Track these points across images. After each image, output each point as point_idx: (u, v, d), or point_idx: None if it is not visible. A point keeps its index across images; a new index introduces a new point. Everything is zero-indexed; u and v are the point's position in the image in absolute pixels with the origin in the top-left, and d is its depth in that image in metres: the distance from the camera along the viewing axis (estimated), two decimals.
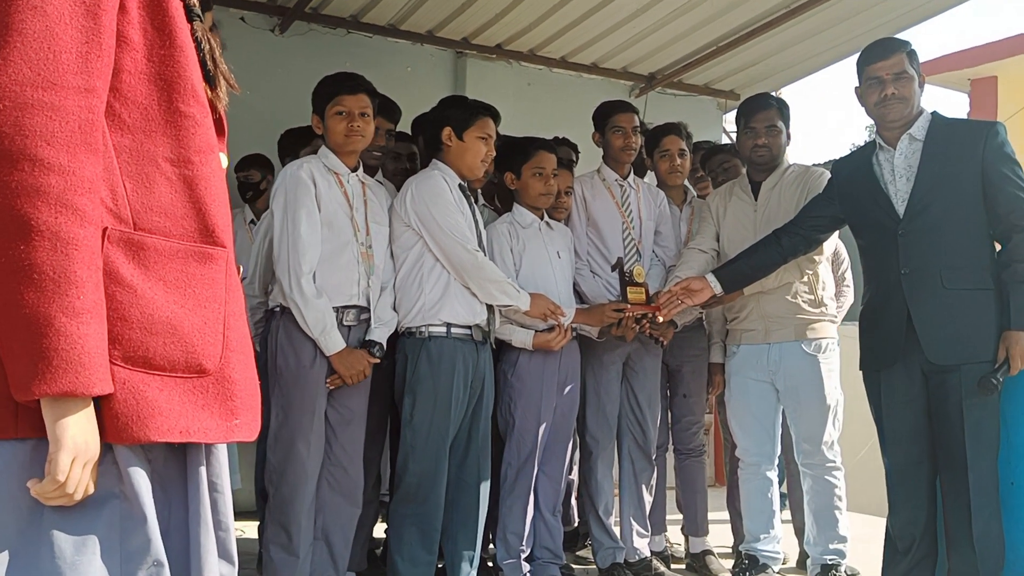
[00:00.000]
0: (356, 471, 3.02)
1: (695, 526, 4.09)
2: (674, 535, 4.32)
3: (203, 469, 1.30)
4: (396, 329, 3.13)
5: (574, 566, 3.99)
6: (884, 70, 3.07)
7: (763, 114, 3.66)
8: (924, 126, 3.08)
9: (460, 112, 3.26)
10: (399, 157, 3.85)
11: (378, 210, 3.11)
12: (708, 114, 6.95)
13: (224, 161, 1.42)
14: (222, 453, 1.37)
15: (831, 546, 3.54)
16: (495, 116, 3.29)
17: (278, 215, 2.89)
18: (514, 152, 3.55)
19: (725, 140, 6.81)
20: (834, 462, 3.56)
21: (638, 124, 3.85)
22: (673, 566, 4.07)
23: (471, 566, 3.20)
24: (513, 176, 3.53)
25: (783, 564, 4.00)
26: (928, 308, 2.95)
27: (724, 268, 3.50)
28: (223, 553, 1.35)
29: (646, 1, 5.35)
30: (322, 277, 2.91)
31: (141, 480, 1.21)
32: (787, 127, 3.72)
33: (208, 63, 1.35)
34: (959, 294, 2.91)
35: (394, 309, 3.13)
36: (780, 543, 3.76)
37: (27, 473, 1.15)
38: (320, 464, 2.92)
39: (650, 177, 4.30)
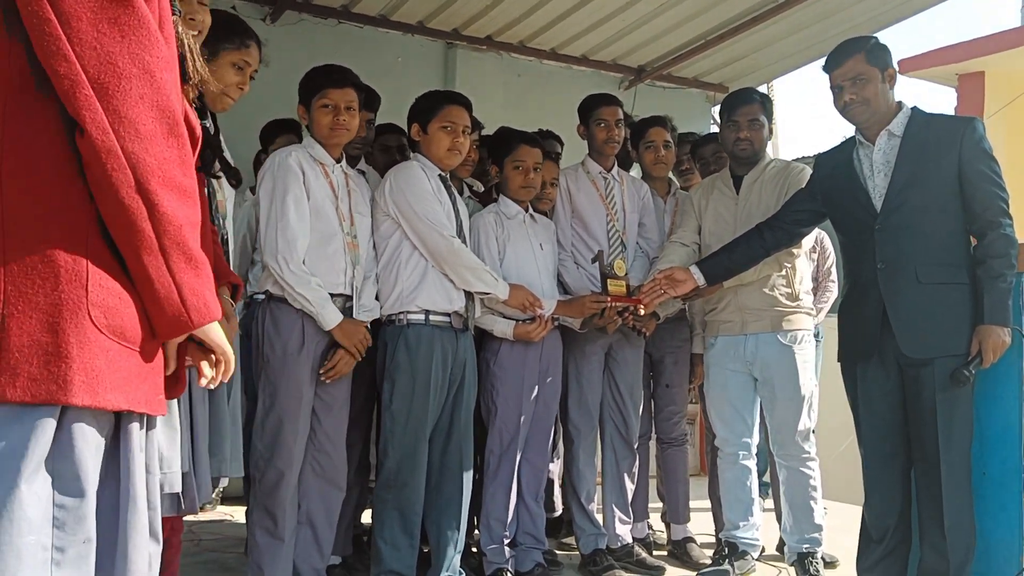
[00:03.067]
0: (340, 457, 3.07)
1: (676, 514, 4.16)
2: (656, 523, 4.39)
3: (135, 446, 1.33)
4: (379, 317, 3.17)
5: (558, 552, 4.05)
6: (840, 77, 3.13)
7: (746, 108, 3.71)
8: (903, 122, 3.13)
9: (423, 104, 3.30)
10: (388, 149, 3.89)
11: (360, 201, 3.15)
12: (696, 107, 7.01)
13: None
14: (156, 435, 1.42)
15: (807, 535, 3.62)
16: (462, 103, 3.30)
17: (265, 201, 2.93)
18: (498, 145, 3.61)
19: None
20: (809, 453, 3.62)
21: (622, 117, 3.90)
22: (655, 553, 4.13)
23: (455, 550, 3.25)
24: (497, 168, 3.58)
25: (763, 551, 4.07)
26: (903, 302, 3.01)
27: (707, 260, 3.56)
28: (152, 531, 1.40)
29: None
30: (310, 266, 2.94)
31: (86, 450, 1.24)
32: (769, 122, 3.78)
33: (187, 58, 1.39)
34: (934, 289, 2.97)
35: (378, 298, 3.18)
36: (759, 531, 3.83)
37: None
38: (304, 450, 2.97)
39: (636, 170, 4.35)
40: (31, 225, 1.23)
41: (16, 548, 1.17)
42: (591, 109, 3.91)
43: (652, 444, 4.26)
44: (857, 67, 3.11)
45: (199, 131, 1.54)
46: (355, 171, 3.32)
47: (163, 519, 2.49)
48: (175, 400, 1.91)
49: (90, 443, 1.26)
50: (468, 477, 3.30)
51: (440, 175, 3.30)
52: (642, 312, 3.56)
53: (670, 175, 4.27)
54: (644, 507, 4.18)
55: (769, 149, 3.92)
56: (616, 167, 3.97)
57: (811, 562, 3.57)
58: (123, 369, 1.28)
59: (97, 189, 1.23)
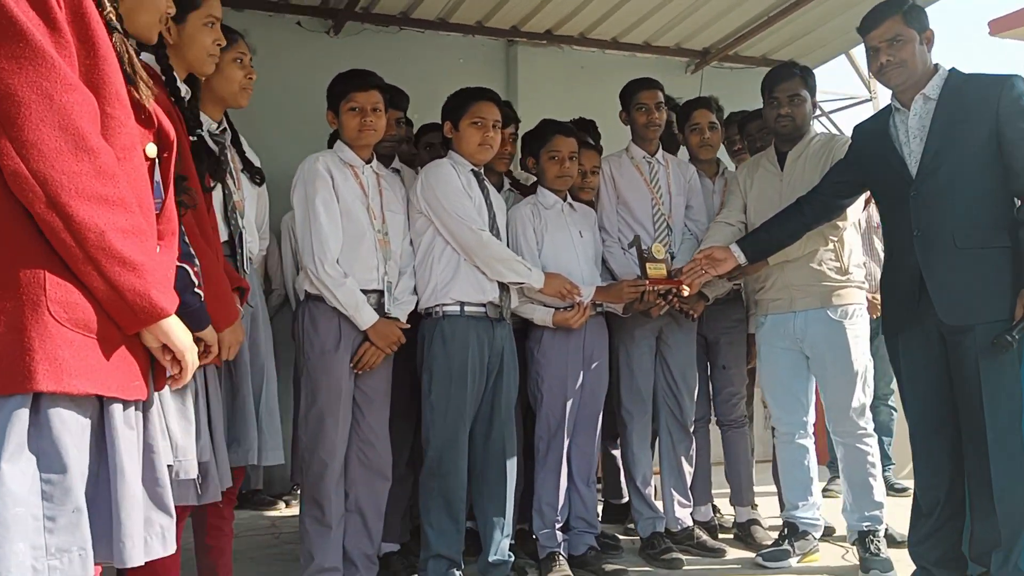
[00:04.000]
0: (384, 447, 3.18)
1: (740, 496, 4.13)
2: (726, 507, 4.35)
3: (119, 425, 1.46)
4: (417, 311, 3.28)
5: (622, 537, 4.08)
6: (876, 39, 3.05)
7: (786, 84, 3.66)
8: (939, 84, 3.04)
9: (453, 103, 3.39)
10: (432, 147, 3.98)
11: (393, 199, 3.26)
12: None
13: (152, 151, 1.60)
14: (156, 418, 1.55)
15: (867, 513, 3.54)
16: (491, 98, 3.37)
17: (299, 208, 3.08)
18: (533, 136, 3.67)
19: None
20: (865, 429, 3.54)
21: (662, 100, 3.90)
22: (721, 536, 4.12)
23: (502, 534, 3.32)
24: (534, 160, 3.65)
25: (833, 532, 4.00)
26: (940, 269, 2.93)
27: (748, 238, 3.53)
28: (160, 505, 1.56)
29: None
30: (344, 264, 3.07)
31: (65, 431, 1.38)
32: (812, 96, 3.71)
33: (127, 68, 1.51)
34: (972, 253, 2.88)
35: (416, 291, 3.28)
36: (820, 510, 3.77)
37: None
38: (347, 442, 3.10)
39: (684, 153, 4.33)
40: None
41: (3, 519, 1.31)
42: (631, 94, 3.93)
43: (715, 428, 4.23)
44: (895, 28, 3.03)
45: (172, 135, 1.68)
46: (389, 170, 3.44)
47: (212, 507, 2.66)
48: (189, 394, 2.06)
49: (68, 424, 1.40)
50: (512, 463, 3.36)
51: (473, 170, 3.37)
52: (685, 293, 3.55)
53: (719, 156, 4.24)
54: (706, 490, 4.17)
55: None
56: (661, 151, 3.97)
57: (872, 540, 3.49)
58: (90, 357, 1.42)
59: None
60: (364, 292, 3.09)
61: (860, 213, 3.62)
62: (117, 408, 1.47)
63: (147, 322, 1.47)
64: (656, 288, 3.50)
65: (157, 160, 1.65)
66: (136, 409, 1.54)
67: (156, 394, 1.82)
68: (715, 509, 4.36)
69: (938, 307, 2.91)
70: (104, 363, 1.44)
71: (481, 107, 3.35)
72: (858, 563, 3.54)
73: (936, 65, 3.09)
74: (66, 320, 1.39)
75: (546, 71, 6.18)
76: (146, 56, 2.46)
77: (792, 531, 3.72)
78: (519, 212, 3.58)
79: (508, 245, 3.47)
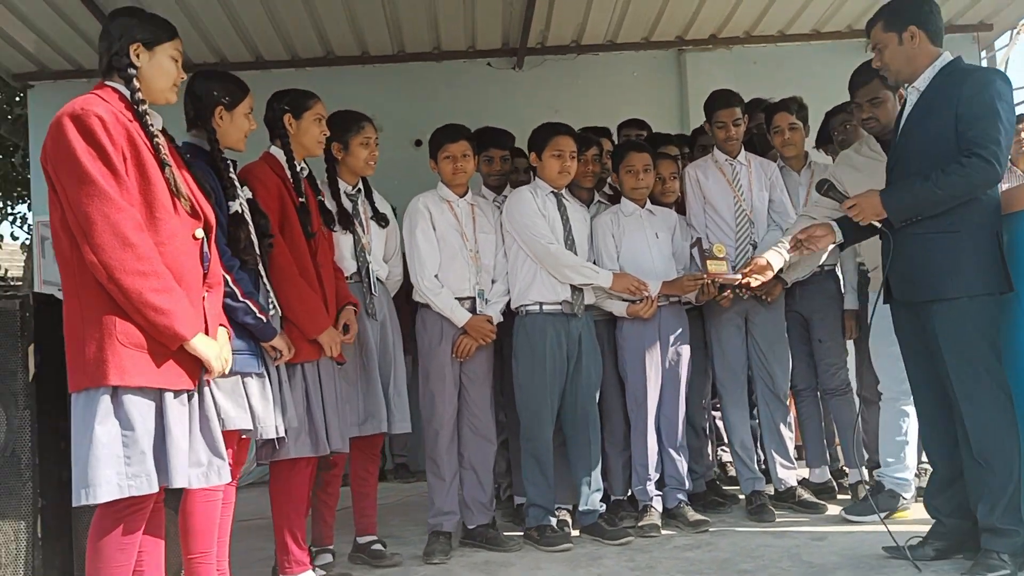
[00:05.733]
0: (487, 417, 4.05)
1: (849, 459, 4.49)
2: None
3: (170, 405, 2.46)
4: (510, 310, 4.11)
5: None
6: (870, 46, 3.40)
7: (864, 89, 3.99)
8: (929, 76, 3.30)
9: (536, 137, 4.12)
10: None
11: (485, 223, 4.09)
12: (963, 51, 6.66)
13: (200, 233, 2.60)
14: (208, 400, 2.57)
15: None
16: (568, 133, 4.07)
17: (406, 238, 4.03)
18: (612, 155, 4.35)
19: None
20: None
21: (740, 116, 4.36)
22: (840, 496, 4.51)
23: (591, 489, 4.06)
24: (615, 175, 4.32)
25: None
26: (897, 250, 3.24)
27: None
28: (215, 451, 2.58)
29: None
30: (442, 277, 3.97)
31: (133, 408, 2.41)
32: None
33: (172, 188, 2.53)
34: (924, 238, 3.17)
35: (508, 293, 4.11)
36: (911, 472, 4.05)
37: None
38: (455, 413, 4.00)
39: None
40: (91, 300, 2.44)
41: (96, 455, 2.37)
42: (711, 111, 4.44)
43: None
44: (875, 37, 3.39)
45: (212, 219, 2.69)
46: (490, 199, 4.29)
47: (358, 462, 3.68)
48: (268, 381, 3.05)
49: (136, 403, 2.43)
50: (596, 431, 4.10)
51: (553, 192, 4.13)
52: (752, 284, 3.98)
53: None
54: (820, 454, 4.59)
55: None
56: (743, 152, 4.45)
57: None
58: (144, 365, 2.44)
59: None
60: (459, 299, 3.97)
61: None
62: (169, 395, 2.50)
63: (176, 343, 2.48)
64: (715, 281, 4.03)
65: (205, 238, 2.67)
66: (188, 395, 2.56)
67: (239, 380, 2.85)
68: (842, 472, 4.72)
69: (893, 286, 3.25)
70: (154, 368, 2.46)
71: (559, 140, 4.09)
72: None
73: (941, 55, 3.33)
74: (127, 343, 2.42)
75: (717, 72, 6.59)
76: (275, 150, 3.51)
77: (878, 489, 4.05)
78: (600, 220, 4.28)
79: (591, 249, 4.19)
